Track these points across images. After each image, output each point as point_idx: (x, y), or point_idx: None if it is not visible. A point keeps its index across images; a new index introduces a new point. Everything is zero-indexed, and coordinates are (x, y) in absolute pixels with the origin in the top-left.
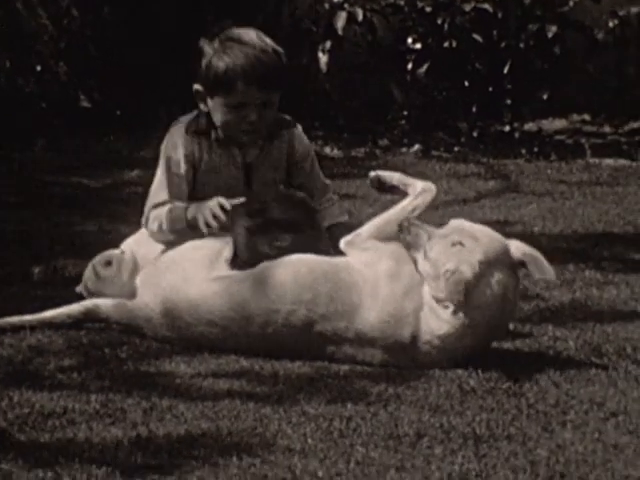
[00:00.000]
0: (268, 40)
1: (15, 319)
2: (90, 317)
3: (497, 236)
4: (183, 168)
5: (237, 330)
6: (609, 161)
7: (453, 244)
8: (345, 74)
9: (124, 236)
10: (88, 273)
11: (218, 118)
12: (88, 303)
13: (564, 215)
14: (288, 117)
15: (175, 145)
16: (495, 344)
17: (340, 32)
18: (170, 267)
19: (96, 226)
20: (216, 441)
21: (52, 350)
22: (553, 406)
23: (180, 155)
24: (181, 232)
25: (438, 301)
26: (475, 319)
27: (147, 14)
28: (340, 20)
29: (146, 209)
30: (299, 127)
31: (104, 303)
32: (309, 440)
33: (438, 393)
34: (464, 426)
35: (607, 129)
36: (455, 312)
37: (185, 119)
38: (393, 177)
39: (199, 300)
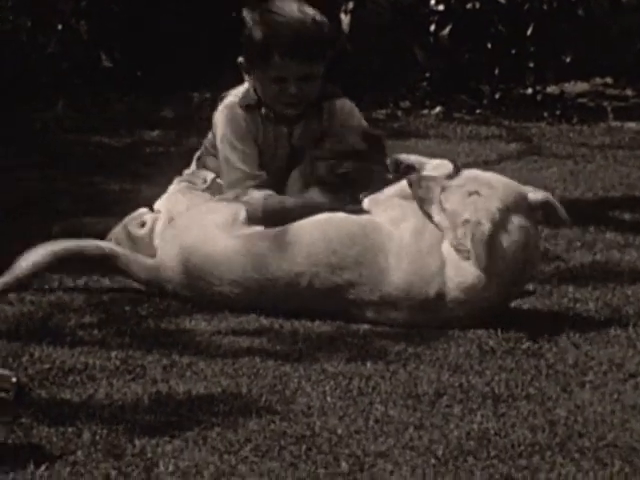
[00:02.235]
0: (310, 11)
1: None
2: (105, 263)
3: (513, 183)
4: (248, 137)
5: (259, 289)
6: (631, 124)
7: (470, 194)
8: (367, 35)
9: (145, 195)
10: (119, 233)
11: (260, 91)
12: (107, 246)
13: (585, 178)
14: (332, 87)
15: (234, 117)
16: (514, 304)
17: None
18: (190, 227)
19: (117, 185)
20: (236, 398)
21: (72, 307)
22: (572, 367)
23: (243, 127)
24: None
25: (458, 251)
26: (499, 267)
27: None
28: None
29: (226, 186)
30: (343, 100)
31: (124, 254)
32: (328, 398)
33: (457, 353)
34: (483, 386)
35: (629, 92)
36: (478, 263)
37: (235, 93)
38: (410, 158)
39: (220, 258)
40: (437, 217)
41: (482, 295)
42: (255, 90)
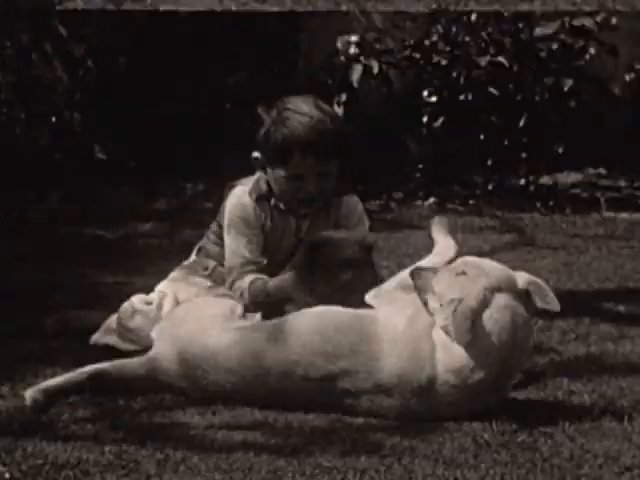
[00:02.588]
0: (326, 108)
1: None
2: (96, 383)
3: (501, 266)
4: (255, 225)
5: (254, 380)
6: (624, 215)
7: (457, 274)
8: (360, 126)
9: (139, 287)
10: (123, 310)
11: (276, 187)
12: (90, 369)
13: (579, 269)
14: (342, 184)
15: (244, 206)
16: (510, 396)
17: (355, 85)
18: (186, 318)
19: (111, 277)
20: None
21: (66, 401)
22: (568, 460)
23: (251, 215)
24: (261, 305)
25: (446, 332)
26: (485, 346)
27: (161, 66)
28: (356, 73)
29: (226, 271)
30: (350, 197)
31: (112, 364)
32: None
33: (452, 446)
34: None
35: (622, 183)
36: (466, 344)
37: (246, 182)
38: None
39: (217, 348)
40: (431, 302)
41: (472, 378)
42: (267, 182)
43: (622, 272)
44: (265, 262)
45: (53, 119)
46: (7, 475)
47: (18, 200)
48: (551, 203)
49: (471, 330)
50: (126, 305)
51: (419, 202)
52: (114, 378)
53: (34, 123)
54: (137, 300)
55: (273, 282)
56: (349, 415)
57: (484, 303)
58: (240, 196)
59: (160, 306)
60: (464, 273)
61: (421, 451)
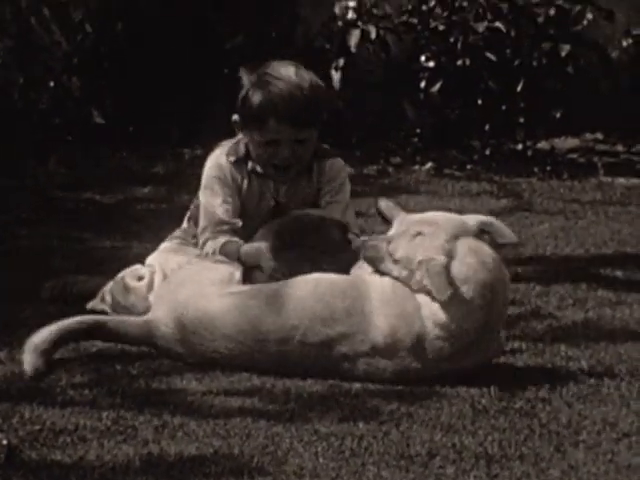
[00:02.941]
0: (307, 75)
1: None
2: (93, 334)
3: (450, 214)
4: (231, 186)
5: (252, 346)
6: (622, 180)
7: (413, 236)
8: (358, 92)
9: (136, 252)
10: (116, 286)
11: (252, 151)
12: (90, 318)
13: (576, 234)
14: (326, 148)
15: (220, 167)
16: (507, 362)
17: (353, 50)
18: (184, 283)
19: (108, 242)
20: (227, 459)
21: (63, 367)
22: (565, 426)
23: (228, 176)
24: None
25: (425, 293)
26: (465, 294)
27: (160, 30)
28: (353, 38)
29: (200, 230)
30: (334, 159)
31: (111, 319)
32: (320, 459)
33: (450, 412)
34: (476, 446)
35: (620, 148)
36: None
37: (227, 144)
38: (389, 209)
39: (215, 314)
40: (394, 271)
41: (460, 327)
42: (246, 145)
43: (619, 237)
44: (240, 224)
45: (51, 83)
46: (4, 442)
47: (16, 164)
48: (548, 168)
49: (448, 284)
50: (118, 281)
51: (417, 167)
52: (111, 332)
53: (32, 87)
54: (129, 275)
55: (245, 248)
56: (346, 380)
57: (449, 255)
58: (217, 157)
59: (151, 282)
60: (420, 233)
61: (419, 417)
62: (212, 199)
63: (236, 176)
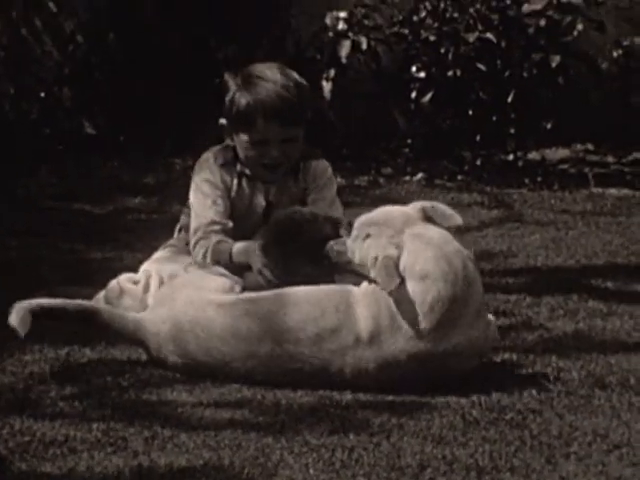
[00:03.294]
0: (292, 75)
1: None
2: (87, 319)
3: (394, 209)
4: (221, 187)
5: (246, 349)
6: (612, 191)
7: (363, 239)
8: (349, 102)
9: (128, 263)
10: (109, 291)
11: (242, 153)
12: (88, 304)
13: (567, 245)
14: (312, 149)
15: (209, 170)
16: (498, 373)
17: (344, 60)
18: (186, 286)
19: (99, 253)
20: (218, 471)
21: (53, 378)
22: (556, 438)
23: (217, 178)
24: (222, 265)
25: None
26: (421, 271)
27: (152, 40)
28: (344, 48)
29: (192, 232)
30: (319, 161)
31: (106, 309)
32: (311, 471)
33: (441, 424)
34: (467, 457)
35: (610, 159)
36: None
37: (214, 149)
38: None
39: (213, 317)
40: (358, 271)
41: (428, 302)
42: (233, 149)
43: (610, 248)
44: (231, 224)
45: (42, 94)
46: None
47: (7, 175)
48: (539, 179)
49: (394, 274)
50: (114, 284)
51: (408, 177)
52: (105, 322)
53: (23, 98)
54: (124, 280)
55: (238, 247)
56: (336, 387)
57: (398, 248)
58: (206, 160)
59: (147, 286)
60: (368, 235)
61: (410, 429)
62: (202, 201)
63: (225, 178)
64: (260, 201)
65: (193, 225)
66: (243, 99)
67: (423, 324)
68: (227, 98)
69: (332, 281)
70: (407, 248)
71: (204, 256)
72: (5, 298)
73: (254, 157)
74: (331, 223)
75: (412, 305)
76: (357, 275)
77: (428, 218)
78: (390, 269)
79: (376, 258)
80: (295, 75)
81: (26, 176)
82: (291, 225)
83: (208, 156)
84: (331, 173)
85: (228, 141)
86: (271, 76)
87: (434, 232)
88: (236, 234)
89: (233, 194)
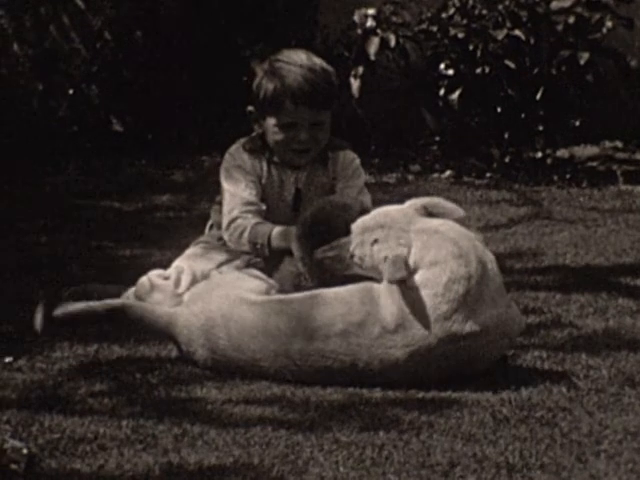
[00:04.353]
0: (318, 60)
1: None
2: (117, 316)
3: (395, 208)
4: (252, 173)
5: (276, 349)
6: None
7: (371, 244)
8: (377, 99)
9: (156, 260)
10: (140, 287)
11: (270, 138)
12: (117, 302)
13: (596, 243)
14: (340, 140)
15: (239, 157)
16: (528, 371)
17: (372, 58)
18: (223, 285)
19: (127, 250)
20: (248, 468)
21: (83, 375)
22: (587, 436)
23: (247, 165)
24: (257, 248)
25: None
26: (433, 257)
27: (179, 38)
28: (373, 46)
29: (225, 212)
30: (347, 151)
31: (137, 304)
32: (341, 468)
33: (471, 421)
34: (497, 455)
35: (639, 156)
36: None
37: (242, 140)
38: None
39: (247, 314)
40: (364, 273)
41: (444, 284)
42: (261, 138)
43: (639, 246)
44: (264, 208)
45: (70, 91)
46: (25, 451)
47: (35, 172)
48: (568, 176)
49: (402, 267)
50: (144, 280)
51: (436, 175)
52: (136, 316)
53: (51, 95)
54: (154, 275)
55: (278, 230)
56: (365, 384)
57: (407, 246)
58: (235, 149)
59: (178, 281)
60: (376, 241)
61: (439, 426)
62: (235, 184)
63: (255, 165)
64: (290, 188)
65: (227, 206)
66: (270, 83)
67: (444, 306)
68: (255, 83)
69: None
70: (415, 244)
71: (240, 235)
72: (35, 296)
73: (283, 141)
74: (362, 211)
75: (430, 291)
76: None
77: (429, 214)
78: (398, 263)
79: (386, 258)
80: (321, 60)
81: (54, 173)
82: (323, 215)
83: (237, 146)
84: (359, 163)
85: (256, 128)
86: (298, 60)
87: (437, 223)
88: (266, 220)
89: (263, 181)
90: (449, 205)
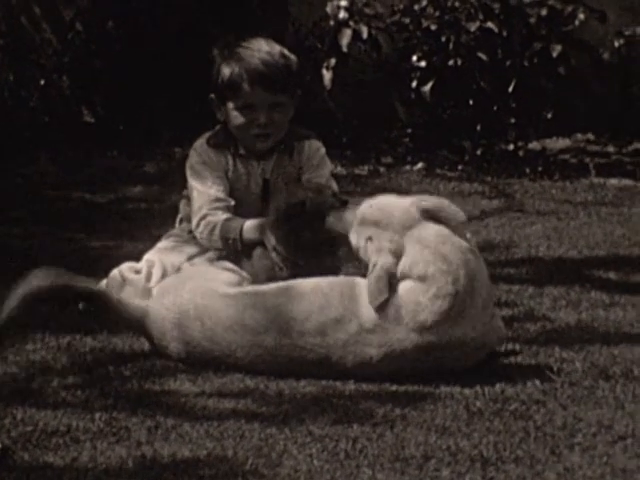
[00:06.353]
0: (278, 47)
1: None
2: (94, 299)
3: (396, 206)
4: (218, 168)
5: (252, 339)
6: (613, 181)
7: (365, 241)
8: (349, 91)
9: (128, 252)
10: (111, 280)
11: (231, 124)
12: (98, 286)
13: (569, 235)
14: (304, 130)
15: (204, 152)
16: (502, 364)
17: (345, 49)
18: (194, 277)
19: (99, 242)
20: (221, 462)
21: (56, 368)
22: (561, 429)
23: (212, 160)
24: (229, 244)
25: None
26: (420, 270)
27: (151, 30)
28: (345, 37)
29: (194, 211)
30: (313, 141)
31: (115, 296)
32: (315, 461)
33: (445, 414)
34: (471, 448)
35: (611, 149)
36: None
37: (207, 134)
38: None
39: (221, 305)
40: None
41: (432, 295)
42: (225, 129)
43: (612, 238)
44: (233, 203)
45: (42, 82)
46: None
47: (6, 162)
48: (540, 169)
49: (384, 290)
50: (115, 273)
51: (408, 167)
52: (111, 304)
53: (22, 86)
54: (126, 268)
55: (249, 224)
56: (339, 377)
57: (397, 253)
58: (199, 145)
59: (149, 275)
60: (370, 238)
61: (413, 419)
62: (202, 182)
63: (220, 160)
64: (257, 180)
65: (196, 204)
66: (228, 68)
67: (426, 317)
68: (214, 70)
69: (338, 270)
70: (406, 253)
71: (211, 232)
72: (5, 286)
73: (243, 126)
74: (334, 195)
75: (414, 300)
76: (357, 259)
77: (430, 217)
78: (381, 283)
79: (373, 266)
80: (282, 48)
81: (25, 164)
82: (297, 201)
83: (201, 141)
84: (324, 152)
85: (219, 116)
86: (256, 46)
87: (432, 232)
88: (235, 214)
89: (230, 175)
90: (452, 209)
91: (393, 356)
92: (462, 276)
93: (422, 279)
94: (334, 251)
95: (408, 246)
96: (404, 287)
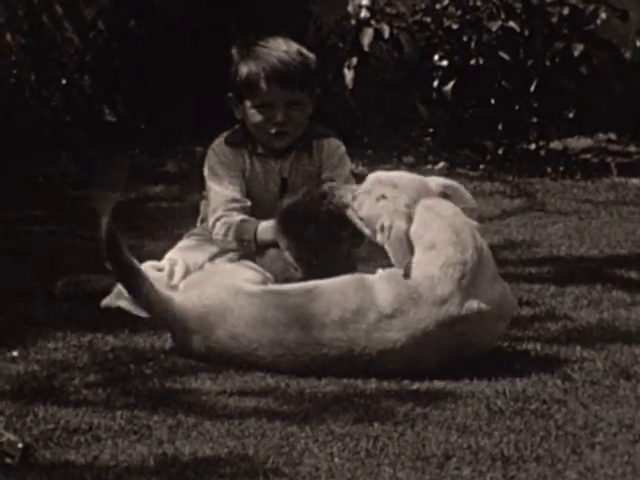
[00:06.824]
0: (295, 45)
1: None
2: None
3: (414, 176)
4: (235, 168)
5: (273, 337)
6: (635, 180)
7: (377, 199)
8: (371, 90)
9: (149, 251)
10: None
11: (249, 122)
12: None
13: (590, 235)
14: (324, 128)
15: (221, 152)
16: (522, 363)
17: (366, 49)
18: (220, 273)
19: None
20: (242, 460)
21: (77, 366)
22: (582, 428)
23: (230, 160)
24: (244, 245)
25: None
26: (430, 240)
27: (172, 29)
28: (366, 37)
29: (210, 212)
30: (332, 139)
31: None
32: (336, 460)
33: (465, 413)
34: (492, 447)
35: (633, 148)
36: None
37: (224, 134)
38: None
39: (245, 303)
40: (359, 224)
41: (440, 269)
42: (242, 128)
43: (634, 238)
44: (249, 204)
45: (63, 81)
46: (20, 445)
47: (28, 162)
48: (561, 168)
49: (407, 251)
50: None
51: (429, 166)
52: (145, 286)
53: (44, 85)
54: (148, 267)
55: (264, 225)
56: (361, 375)
57: (409, 219)
58: (217, 145)
59: (171, 273)
60: (383, 196)
61: (434, 418)
62: (219, 182)
63: (237, 159)
64: (275, 179)
65: (212, 204)
66: (245, 67)
67: (439, 290)
68: (232, 69)
69: (354, 271)
70: (417, 220)
71: (226, 233)
72: (27, 285)
73: (260, 123)
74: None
75: (426, 274)
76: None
77: (445, 195)
78: (403, 244)
79: (388, 228)
80: (300, 46)
81: (47, 163)
82: (298, 205)
83: (219, 141)
84: (344, 151)
85: (236, 114)
86: (274, 45)
87: (446, 205)
88: (253, 214)
89: (247, 174)
90: (466, 194)
91: (416, 337)
92: (470, 247)
93: (432, 247)
94: (343, 247)
95: (421, 213)
96: (414, 263)
